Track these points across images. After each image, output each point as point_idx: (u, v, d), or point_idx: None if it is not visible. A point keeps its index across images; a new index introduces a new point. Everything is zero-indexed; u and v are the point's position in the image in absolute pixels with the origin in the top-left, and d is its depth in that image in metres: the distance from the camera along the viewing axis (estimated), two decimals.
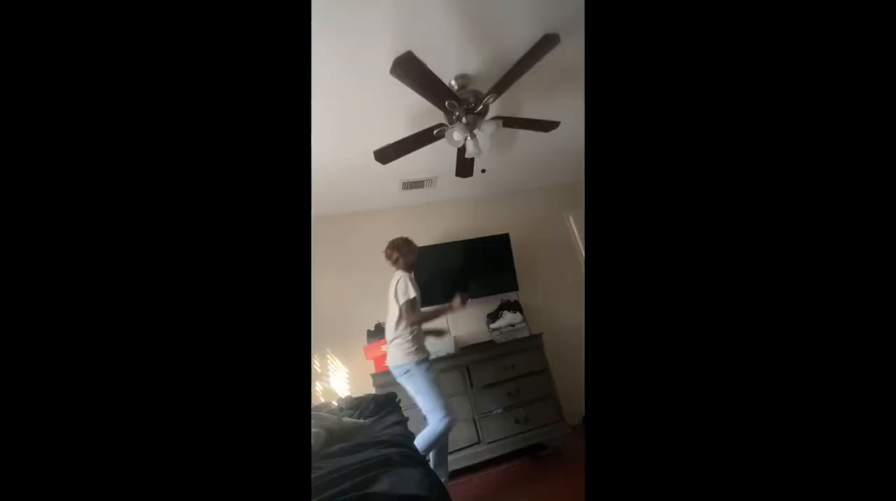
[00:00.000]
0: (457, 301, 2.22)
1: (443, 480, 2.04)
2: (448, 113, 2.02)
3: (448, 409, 2.05)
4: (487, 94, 1.98)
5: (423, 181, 3.11)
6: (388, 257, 2.31)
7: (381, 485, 0.74)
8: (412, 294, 2.12)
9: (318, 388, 2.80)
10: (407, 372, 2.09)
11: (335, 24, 1.62)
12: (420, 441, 1.97)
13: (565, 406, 2.79)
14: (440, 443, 2.08)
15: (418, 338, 2.17)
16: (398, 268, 2.27)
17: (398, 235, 3.27)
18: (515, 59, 1.82)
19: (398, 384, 2.48)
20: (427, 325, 2.36)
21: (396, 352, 2.12)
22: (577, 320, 3.31)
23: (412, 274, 2.23)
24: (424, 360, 2.14)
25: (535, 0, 1.72)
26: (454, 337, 2.95)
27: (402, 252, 2.27)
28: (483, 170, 3.09)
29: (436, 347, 2.73)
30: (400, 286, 2.16)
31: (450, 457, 2.45)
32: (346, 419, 1.53)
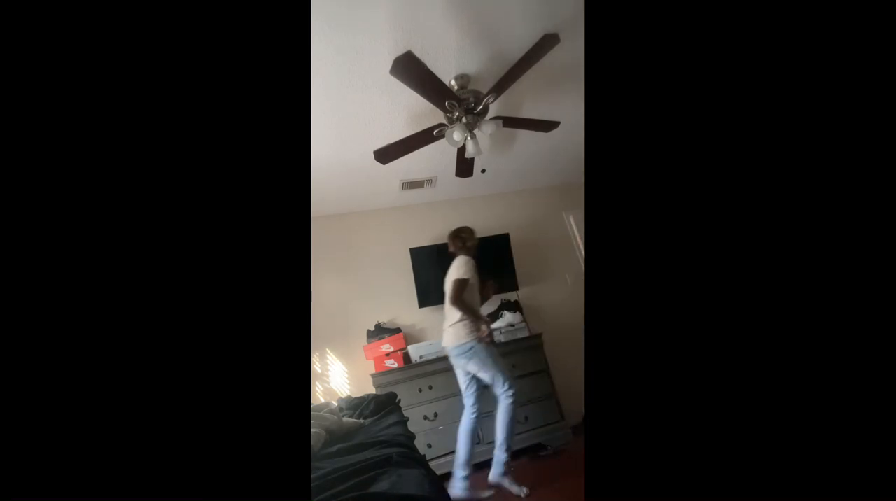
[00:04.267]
0: (484, 331, 2.20)
1: (507, 458, 2.15)
2: (448, 113, 2.02)
3: (510, 380, 2.18)
4: (487, 94, 1.98)
5: (423, 181, 3.11)
6: (452, 243, 2.43)
7: (381, 485, 0.74)
8: (464, 275, 2.21)
9: (318, 388, 2.80)
10: (471, 349, 2.17)
11: (335, 23, 1.62)
12: (501, 429, 2.13)
13: (565, 406, 2.79)
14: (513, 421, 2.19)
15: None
16: (459, 253, 2.36)
17: (398, 235, 3.29)
18: (515, 59, 1.82)
19: (398, 384, 2.48)
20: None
21: (460, 332, 2.18)
22: (577, 320, 3.30)
23: (471, 260, 2.31)
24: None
25: (535, 0, 1.72)
26: None
27: (464, 238, 2.40)
28: (483, 170, 3.09)
29: (434, 347, 2.73)
30: (454, 265, 2.27)
31: (450, 457, 2.45)
32: (346, 419, 1.53)
